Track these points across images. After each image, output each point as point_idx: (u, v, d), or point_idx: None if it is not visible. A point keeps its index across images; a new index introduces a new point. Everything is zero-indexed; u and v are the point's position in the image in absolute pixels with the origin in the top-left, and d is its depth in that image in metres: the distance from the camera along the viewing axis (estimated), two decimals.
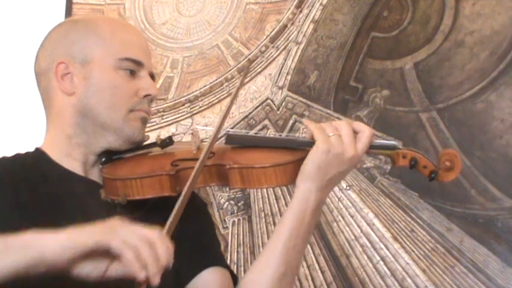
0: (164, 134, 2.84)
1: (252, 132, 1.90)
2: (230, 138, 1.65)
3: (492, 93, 2.47)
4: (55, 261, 1.25)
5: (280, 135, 1.93)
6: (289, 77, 2.80)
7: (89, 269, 1.27)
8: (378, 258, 2.52)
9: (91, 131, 1.61)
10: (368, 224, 2.57)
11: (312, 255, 2.61)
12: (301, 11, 2.82)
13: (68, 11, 3.12)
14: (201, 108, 2.94)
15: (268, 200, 2.74)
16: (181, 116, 2.96)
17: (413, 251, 2.49)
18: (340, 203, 2.61)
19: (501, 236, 2.39)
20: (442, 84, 2.56)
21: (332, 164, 1.55)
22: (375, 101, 2.65)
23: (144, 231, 1.27)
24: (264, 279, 1.56)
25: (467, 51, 2.54)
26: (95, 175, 1.63)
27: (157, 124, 2.96)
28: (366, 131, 1.58)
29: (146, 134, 1.65)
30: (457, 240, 2.44)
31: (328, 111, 2.72)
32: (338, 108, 2.71)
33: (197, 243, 1.64)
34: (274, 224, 2.70)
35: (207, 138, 1.62)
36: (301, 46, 2.80)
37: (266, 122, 2.81)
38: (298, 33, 2.81)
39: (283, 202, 2.70)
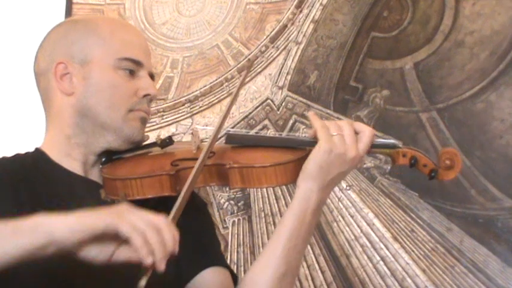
0: (164, 134, 2.84)
1: (252, 132, 1.90)
2: (230, 138, 1.64)
3: (492, 93, 2.47)
4: (63, 243, 1.24)
5: (281, 135, 1.92)
6: (289, 77, 2.80)
7: (96, 253, 1.27)
8: (378, 258, 2.52)
9: (90, 131, 1.61)
10: (368, 224, 2.56)
11: (312, 255, 2.61)
12: (301, 11, 2.82)
13: (68, 11, 3.12)
14: (201, 108, 2.94)
15: (268, 200, 2.73)
16: (181, 116, 2.96)
17: (413, 251, 2.49)
18: (340, 203, 2.61)
19: (501, 236, 2.38)
20: (442, 84, 2.56)
21: (334, 164, 1.55)
22: (375, 101, 2.65)
23: (151, 217, 1.27)
24: (264, 280, 1.56)
25: (467, 51, 2.54)
26: (94, 175, 1.63)
27: (157, 124, 2.96)
28: (366, 131, 1.58)
29: (146, 134, 1.65)
30: (457, 240, 2.44)
31: (328, 111, 2.72)
32: (338, 108, 2.71)
33: (197, 243, 1.63)
34: (274, 224, 2.70)
35: (207, 138, 1.62)
36: (301, 46, 2.80)
37: (266, 122, 2.81)
38: (298, 33, 2.81)
39: (283, 202, 2.70)
